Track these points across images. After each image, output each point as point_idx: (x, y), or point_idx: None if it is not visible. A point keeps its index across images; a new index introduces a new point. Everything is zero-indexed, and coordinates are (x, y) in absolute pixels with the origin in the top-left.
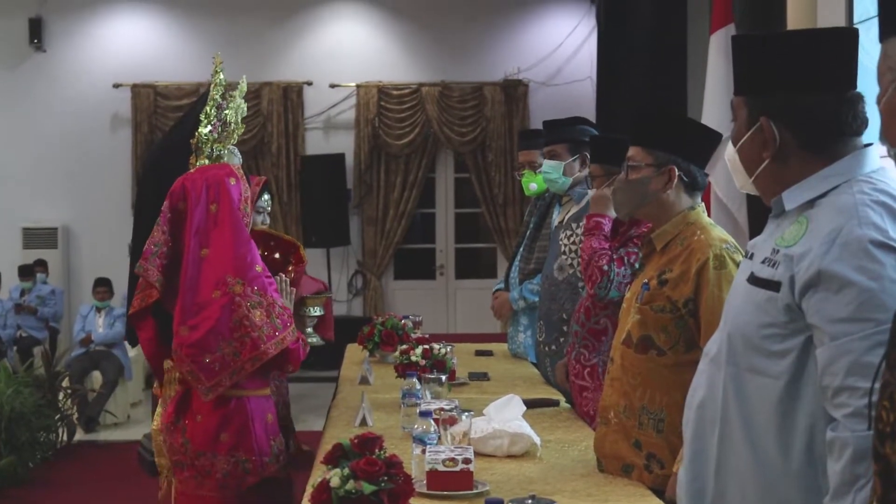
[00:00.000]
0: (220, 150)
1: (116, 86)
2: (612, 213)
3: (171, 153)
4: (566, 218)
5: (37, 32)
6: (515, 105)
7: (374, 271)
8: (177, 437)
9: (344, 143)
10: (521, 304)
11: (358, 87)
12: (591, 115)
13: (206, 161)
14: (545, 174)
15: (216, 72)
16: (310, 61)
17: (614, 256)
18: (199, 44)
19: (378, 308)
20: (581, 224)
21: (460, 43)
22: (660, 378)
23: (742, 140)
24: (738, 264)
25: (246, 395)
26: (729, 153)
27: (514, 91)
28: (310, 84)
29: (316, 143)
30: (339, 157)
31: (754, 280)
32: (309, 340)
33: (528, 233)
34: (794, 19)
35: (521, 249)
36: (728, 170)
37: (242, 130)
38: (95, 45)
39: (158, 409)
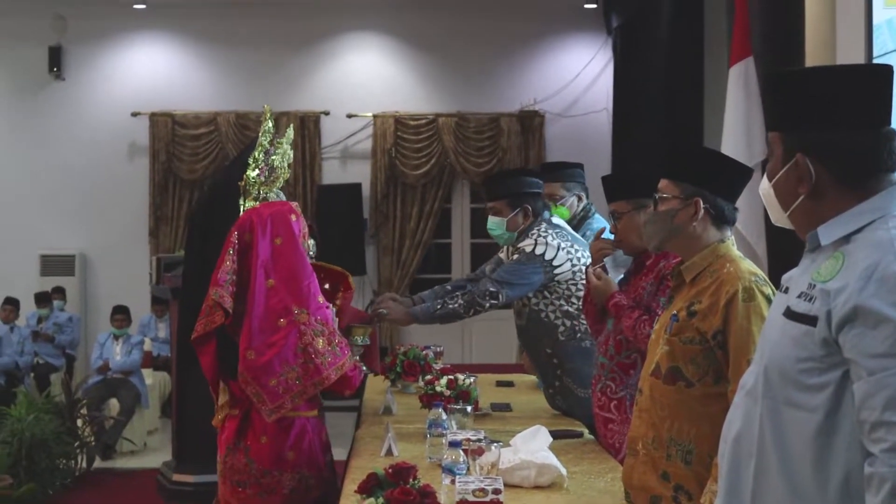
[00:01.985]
0: (267, 193)
1: (135, 114)
2: (615, 287)
3: (221, 194)
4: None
5: (56, 61)
6: (531, 136)
7: None
8: (239, 457)
9: (360, 173)
10: None
11: (375, 117)
12: (606, 147)
13: (254, 202)
14: (490, 230)
15: (265, 119)
16: (327, 91)
17: (658, 312)
18: (217, 73)
19: (393, 338)
20: (511, 259)
21: (476, 74)
22: (688, 410)
23: (777, 175)
24: (767, 297)
25: (303, 416)
26: (764, 188)
27: (531, 122)
28: (327, 114)
29: (333, 173)
30: (356, 187)
31: (791, 314)
32: None
33: None
34: (813, 53)
35: None
36: (747, 202)
37: (288, 175)
38: (114, 73)
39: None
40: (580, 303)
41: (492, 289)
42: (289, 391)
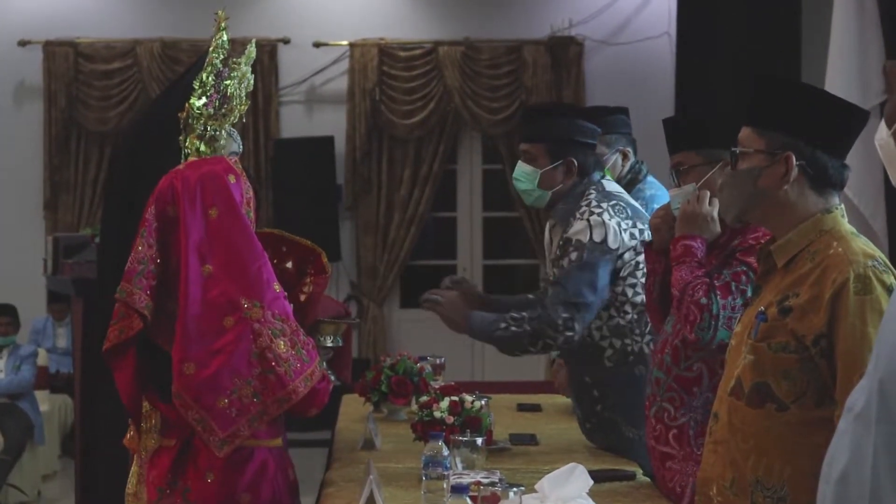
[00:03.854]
0: (216, 130)
1: (23, 43)
2: (707, 233)
3: (153, 132)
4: (554, 249)
5: None
6: (566, 71)
7: (373, 296)
8: (176, 502)
9: (333, 123)
10: None
11: (352, 46)
12: (668, 83)
13: (199, 142)
14: (516, 180)
15: (220, 29)
16: (287, 11)
17: (716, 283)
18: None
19: (379, 346)
20: (568, 259)
21: None
22: (780, 441)
23: None
24: (888, 287)
25: (264, 446)
26: (882, 137)
27: (564, 52)
28: (287, 42)
29: (295, 123)
30: (327, 142)
31: None
32: None
33: None
34: None
35: None
36: (860, 159)
37: (246, 108)
38: None
39: (134, 468)
40: (636, 311)
41: (564, 315)
42: (244, 413)
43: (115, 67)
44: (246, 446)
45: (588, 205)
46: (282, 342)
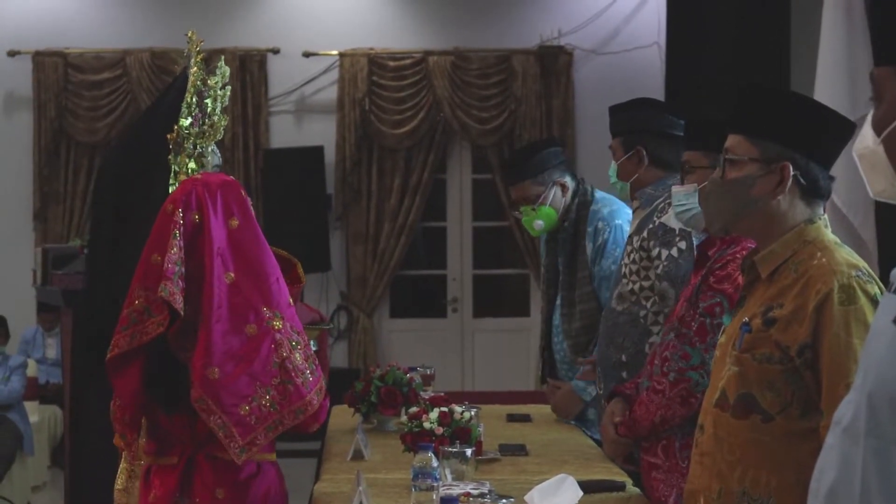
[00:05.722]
0: (204, 147)
1: (12, 54)
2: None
3: (141, 151)
4: (633, 227)
5: None
6: (555, 80)
7: (363, 306)
8: None
9: (322, 133)
10: (593, 390)
11: (342, 55)
12: (657, 93)
13: (188, 160)
14: (610, 178)
15: (193, 50)
16: (276, 21)
17: (692, 329)
18: None
19: (368, 356)
20: (643, 235)
21: None
22: (766, 452)
23: (890, 127)
24: (872, 298)
25: (267, 460)
26: (865, 145)
27: (554, 62)
28: (276, 52)
29: (284, 133)
30: (316, 152)
31: None
32: None
33: (560, 280)
34: None
35: (560, 303)
36: (847, 171)
37: (226, 122)
38: None
39: (123, 465)
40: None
41: None
42: (262, 421)
43: (105, 78)
44: (253, 460)
45: None
46: (298, 354)
